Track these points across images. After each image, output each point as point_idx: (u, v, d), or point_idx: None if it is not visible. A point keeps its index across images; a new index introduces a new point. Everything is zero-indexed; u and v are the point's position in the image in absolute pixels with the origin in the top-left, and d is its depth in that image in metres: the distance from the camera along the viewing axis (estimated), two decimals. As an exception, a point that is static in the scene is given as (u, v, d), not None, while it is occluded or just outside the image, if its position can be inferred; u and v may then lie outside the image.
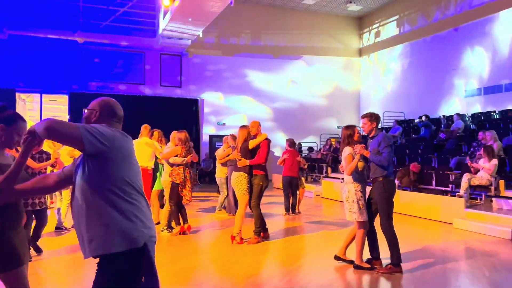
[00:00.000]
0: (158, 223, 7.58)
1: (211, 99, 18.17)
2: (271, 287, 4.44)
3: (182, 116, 16.76)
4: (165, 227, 6.88)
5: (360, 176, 5.00)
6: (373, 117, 5.04)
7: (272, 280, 4.66)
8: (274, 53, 19.09)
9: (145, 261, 2.12)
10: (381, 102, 19.35)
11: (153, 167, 7.56)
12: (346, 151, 5.02)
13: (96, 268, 2.09)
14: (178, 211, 6.82)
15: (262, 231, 6.43)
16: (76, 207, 2.10)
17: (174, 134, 7.09)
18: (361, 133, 5.45)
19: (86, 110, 2.31)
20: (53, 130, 1.92)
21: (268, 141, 6.26)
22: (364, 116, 5.11)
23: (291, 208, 9.24)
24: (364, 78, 20.65)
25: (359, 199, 4.94)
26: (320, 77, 19.86)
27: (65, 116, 16.37)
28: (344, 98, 20.33)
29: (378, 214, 5.02)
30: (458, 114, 13.75)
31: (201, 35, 16.30)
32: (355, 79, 20.72)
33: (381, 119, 17.68)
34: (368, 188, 5.09)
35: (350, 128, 5.15)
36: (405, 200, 9.60)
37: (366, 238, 5.02)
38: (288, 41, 19.39)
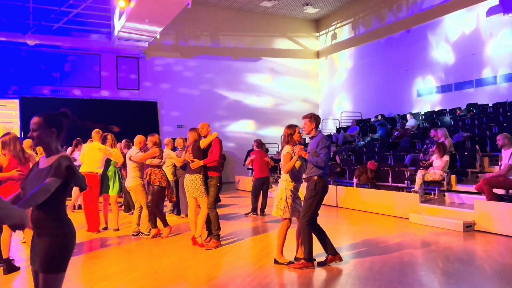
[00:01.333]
0: (118, 229, 7.40)
1: (170, 102, 17.93)
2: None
3: (140, 119, 16.45)
4: (140, 230, 6.83)
5: (295, 175, 5.12)
6: (313, 118, 5.17)
7: (234, 281, 4.64)
8: (234, 55, 19.11)
9: None
10: (339, 102, 19.79)
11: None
12: (285, 149, 5.15)
13: None
14: (157, 214, 6.70)
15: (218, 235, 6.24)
16: None
17: (140, 139, 6.97)
18: (302, 133, 5.59)
19: None
20: None
21: (219, 140, 6.18)
22: (305, 117, 5.24)
23: (261, 209, 9.21)
24: (322, 80, 21.05)
25: (288, 197, 5.07)
26: (279, 79, 20.07)
27: (16, 122, 15.66)
28: (304, 99, 20.63)
29: (313, 212, 5.07)
30: (411, 113, 14.29)
31: (158, 37, 16.07)
32: (313, 81, 21.08)
33: (339, 119, 18.11)
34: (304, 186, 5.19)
35: (291, 127, 5.27)
36: (363, 197, 9.86)
37: (286, 235, 5.18)
38: (247, 43, 19.47)
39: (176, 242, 6.67)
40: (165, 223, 6.81)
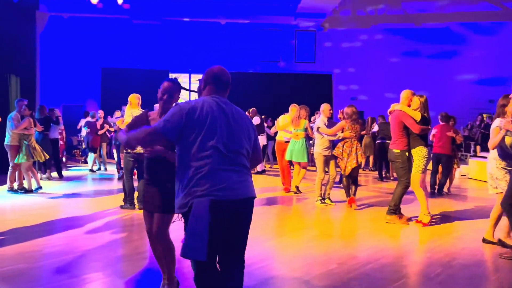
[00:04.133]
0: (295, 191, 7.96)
1: (344, 73, 17.80)
2: (409, 261, 4.30)
3: (315, 91, 16.77)
4: (319, 198, 6.98)
5: (505, 152, 4.47)
6: None
7: (410, 254, 4.51)
8: (416, 22, 17.70)
9: None
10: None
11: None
12: (495, 123, 4.55)
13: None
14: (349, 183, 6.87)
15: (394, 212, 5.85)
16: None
17: (326, 106, 7.28)
18: None
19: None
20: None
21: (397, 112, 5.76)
22: None
23: (439, 187, 8.58)
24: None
25: (501, 178, 4.51)
26: (471, 46, 17.79)
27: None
28: (501, 69, 17.87)
29: None
30: None
31: (337, 8, 15.98)
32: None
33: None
34: None
35: (505, 97, 4.61)
36: None
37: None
38: (432, 7, 17.74)
39: (350, 210, 6.73)
40: (348, 194, 6.85)
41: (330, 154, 6.98)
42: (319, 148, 7.00)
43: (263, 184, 9.49)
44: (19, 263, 3.95)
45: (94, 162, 11.23)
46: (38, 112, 8.96)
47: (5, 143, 7.46)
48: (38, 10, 14.38)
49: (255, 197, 2.51)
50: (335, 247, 4.71)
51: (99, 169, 11.28)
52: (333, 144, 7.16)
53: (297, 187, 8.06)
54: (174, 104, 3.02)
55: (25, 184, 7.67)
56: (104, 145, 11.55)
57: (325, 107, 7.25)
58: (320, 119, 7.18)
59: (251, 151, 2.56)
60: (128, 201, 6.40)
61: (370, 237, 5.17)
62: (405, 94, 5.87)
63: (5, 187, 7.71)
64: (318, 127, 7.02)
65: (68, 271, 3.79)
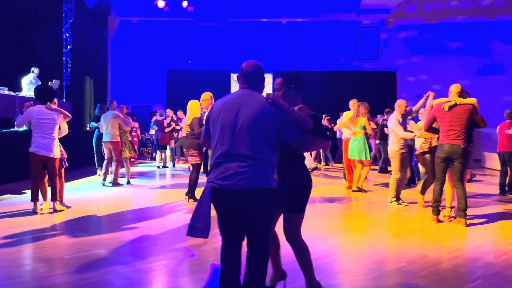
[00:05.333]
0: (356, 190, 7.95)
1: (409, 70, 17.14)
2: (484, 262, 4.09)
3: (379, 89, 16.34)
4: (394, 199, 6.71)
5: None
6: None
7: (485, 255, 4.28)
8: (488, 15, 16.66)
9: None
10: None
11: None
12: None
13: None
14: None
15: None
16: None
17: (401, 102, 6.90)
18: None
19: None
20: None
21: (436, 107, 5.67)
22: None
23: (508, 186, 8.12)
24: None
25: None
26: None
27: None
28: None
29: None
30: None
31: (402, 3, 15.45)
32: None
33: None
34: None
35: None
36: None
37: None
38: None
39: (418, 210, 6.50)
40: (423, 191, 6.62)
41: (407, 151, 6.71)
42: (396, 146, 6.62)
43: (324, 181, 9.44)
44: (99, 248, 4.26)
45: (161, 159, 11.71)
46: (98, 110, 9.28)
47: (108, 140, 8.06)
48: (110, 15, 15.29)
49: (265, 187, 2.49)
50: (404, 246, 4.58)
51: (165, 166, 11.71)
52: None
53: (358, 187, 7.96)
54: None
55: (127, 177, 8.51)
56: (172, 142, 11.94)
57: (401, 103, 6.73)
58: (394, 116, 6.68)
59: (274, 141, 2.58)
60: None
61: (441, 237, 4.96)
62: (457, 88, 5.62)
63: (88, 178, 8.36)
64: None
65: (142, 258, 4.02)
